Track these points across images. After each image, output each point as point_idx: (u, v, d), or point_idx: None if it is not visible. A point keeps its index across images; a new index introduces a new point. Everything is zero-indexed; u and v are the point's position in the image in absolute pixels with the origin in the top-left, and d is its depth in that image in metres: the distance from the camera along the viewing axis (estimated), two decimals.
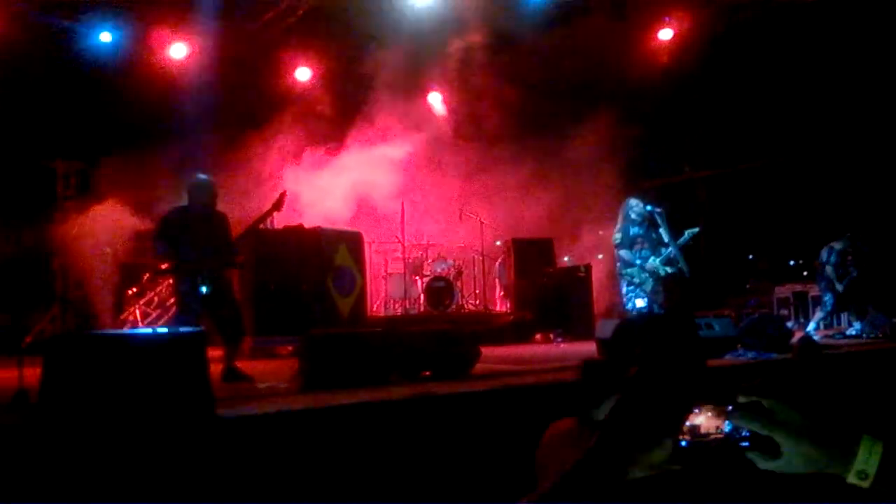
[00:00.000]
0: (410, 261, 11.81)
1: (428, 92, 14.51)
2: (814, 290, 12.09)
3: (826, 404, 1.10)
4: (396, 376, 5.82)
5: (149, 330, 8.84)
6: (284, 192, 7.18)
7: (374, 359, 5.78)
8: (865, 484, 1.04)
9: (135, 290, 10.48)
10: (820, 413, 1.08)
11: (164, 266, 6.39)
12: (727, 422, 1.12)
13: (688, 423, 1.13)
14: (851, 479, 1.04)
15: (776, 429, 1.08)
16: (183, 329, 5.92)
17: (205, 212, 6.40)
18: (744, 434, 1.10)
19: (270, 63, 12.71)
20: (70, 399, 3.87)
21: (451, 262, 11.99)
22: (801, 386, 1.09)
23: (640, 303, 8.51)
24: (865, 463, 1.04)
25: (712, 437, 1.13)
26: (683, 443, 1.13)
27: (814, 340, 6.36)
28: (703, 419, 1.14)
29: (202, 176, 6.62)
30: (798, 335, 9.68)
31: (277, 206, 6.96)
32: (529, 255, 11.93)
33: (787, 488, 1.17)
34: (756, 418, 1.09)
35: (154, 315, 10.25)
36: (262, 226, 8.92)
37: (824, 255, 10.52)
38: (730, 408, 1.12)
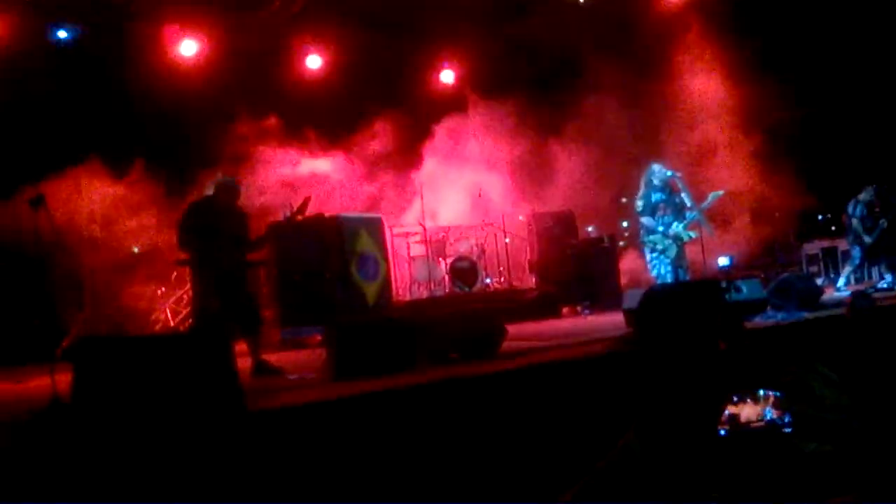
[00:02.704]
0: (433, 242, 11.80)
1: (441, 69, 14.41)
2: (843, 245, 11.90)
3: (874, 375, 1.06)
4: (424, 360, 5.85)
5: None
6: (308, 197, 7.20)
7: (401, 345, 5.80)
8: None
9: (163, 289, 10.60)
10: (865, 391, 1.04)
11: (185, 257, 6.51)
12: (768, 409, 1.09)
13: (727, 413, 1.11)
14: None
15: (823, 409, 1.03)
16: (207, 327, 6.01)
17: (228, 208, 6.51)
18: (786, 420, 1.07)
19: (280, 52, 12.66)
20: (101, 402, 3.94)
21: (473, 240, 11.96)
22: (858, 347, 1.06)
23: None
24: None
25: (753, 425, 1.10)
26: (722, 432, 1.11)
27: (868, 294, 6.14)
28: (742, 408, 1.11)
29: (229, 178, 6.88)
30: (829, 292, 9.56)
31: (301, 211, 7.01)
32: (552, 229, 11.86)
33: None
34: (803, 403, 1.05)
35: (184, 313, 10.36)
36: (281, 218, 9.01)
37: (850, 208, 10.35)
38: (772, 395, 1.09)
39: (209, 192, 7.00)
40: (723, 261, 7.56)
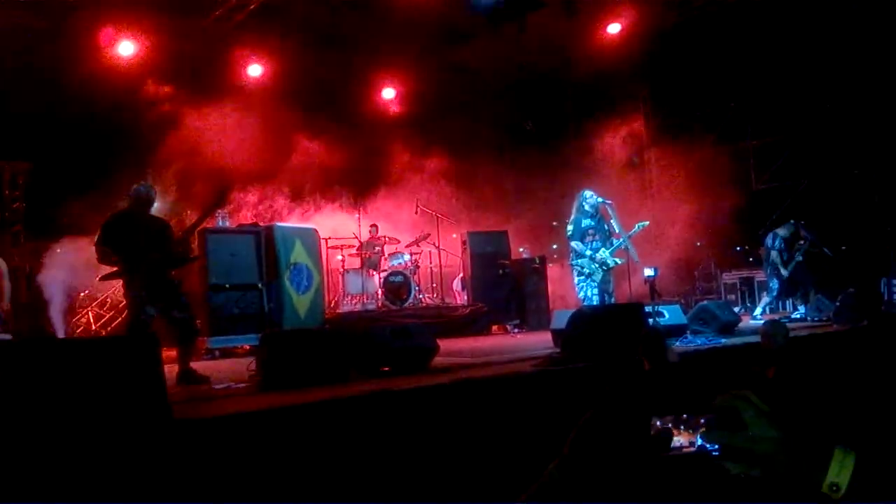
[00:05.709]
0: (367, 256, 11.83)
1: (382, 87, 14.52)
2: (759, 276, 12.43)
3: (800, 409, 1.12)
4: (355, 373, 5.87)
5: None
6: (226, 187, 6.93)
7: (332, 356, 5.81)
8: (836, 496, 1.03)
9: (87, 291, 10.31)
10: (794, 423, 1.07)
11: (113, 269, 6.36)
12: (699, 435, 1.12)
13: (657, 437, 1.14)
14: (825, 489, 1.04)
15: (751, 441, 1.08)
16: (135, 333, 5.90)
17: (144, 217, 6.42)
18: (716, 446, 1.10)
19: (222, 59, 12.52)
20: (23, 405, 3.84)
21: (407, 256, 12.04)
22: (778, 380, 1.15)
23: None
24: (837, 475, 1.03)
25: (685, 450, 1.13)
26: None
27: (782, 323, 6.42)
28: (675, 433, 1.14)
29: (143, 185, 6.68)
30: (745, 320, 9.98)
31: (220, 202, 6.80)
32: (485, 248, 12.03)
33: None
34: (731, 433, 1.09)
35: (107, 317, 10.11)
36: (212, 223, 8.88)
37: (769, 240, 10.80)
38: (703, 420, 1.12)
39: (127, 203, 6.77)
40: (648, 272, 7.88)
